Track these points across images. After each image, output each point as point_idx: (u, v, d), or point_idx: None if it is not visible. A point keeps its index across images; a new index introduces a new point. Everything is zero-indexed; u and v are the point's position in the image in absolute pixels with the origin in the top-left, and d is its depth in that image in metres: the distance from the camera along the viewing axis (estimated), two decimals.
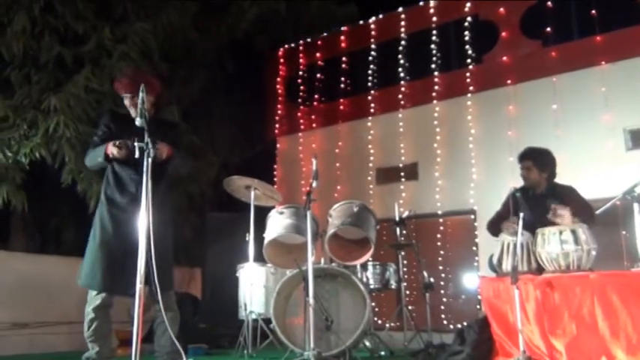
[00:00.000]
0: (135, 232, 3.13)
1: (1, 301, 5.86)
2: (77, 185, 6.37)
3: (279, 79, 8.85)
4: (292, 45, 8.80)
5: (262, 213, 5.02)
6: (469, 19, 7.19)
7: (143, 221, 2.93)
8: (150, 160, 2.98)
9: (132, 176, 3.48)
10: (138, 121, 3.02)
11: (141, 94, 3.14)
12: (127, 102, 3.64)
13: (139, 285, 2.84)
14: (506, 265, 3.79)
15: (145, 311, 2.93)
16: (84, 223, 8.65)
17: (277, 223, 4.74)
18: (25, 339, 5.94)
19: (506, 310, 3.66)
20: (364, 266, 5.10)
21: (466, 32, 7.19)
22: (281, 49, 8.88)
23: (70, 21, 6.21)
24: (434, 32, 7.45)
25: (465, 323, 4.87)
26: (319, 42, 8.54)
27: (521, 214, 3.50)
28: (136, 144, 2.98)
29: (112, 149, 3.39)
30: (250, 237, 5.12)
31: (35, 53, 6.11)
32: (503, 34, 6.96)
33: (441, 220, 6.99)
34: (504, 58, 6.90)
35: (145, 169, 2.97)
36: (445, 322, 6.63)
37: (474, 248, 6.62)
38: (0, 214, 7.46)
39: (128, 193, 3.50)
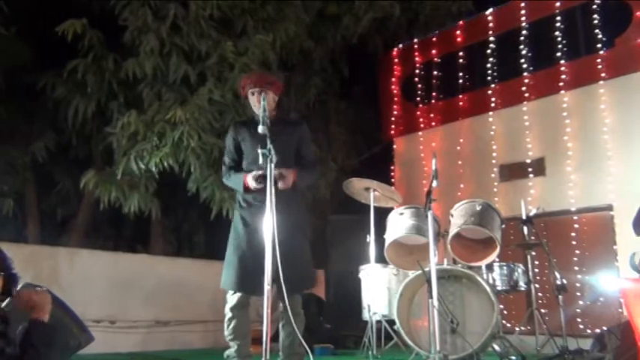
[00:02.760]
0: (262, 234, 3.26)
1: (146, 301, 6.38)
2: (201, 194, 6.74)
3: (394, 79, 8.79)
4: (407, 44, 8.72)
5: (382, 214, 5.02)
6: (598, 1, 6.69)
7: (269, 224, 3.04)
8: (272, 166, 3.09)
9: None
10: (260, 129, 3.13)
11: (262, 102, 3.27)
12: (252, 100, 3.70)
13: (267, 286, 2.95)
14: None
15: (273, 311, 3.04)
16: (212, 228, 9.23)
17: (398, 224, 4.72)
18: (166, 336, 6.41)
19: None
20: (490, 267, 4.90)
21: (595, 15, 6.69)
22: (395, 49, 8.82)
23: (195, 40, 6.59)
24: (558, 18, 7.02)
25: (604, 328, 4.52)
26: (434, 39, 8.38)
27: None
28: (259, 151, 3.10)
29: (251, 183, 3.50)
30: (371, 238, 5.13)
31: (164, 72, 6.53)
32: (638, 13, 6.39)
33: (575, 217, 6.55)
34: (639, 40, 6.34)
35: (268, 175, 3.08)
36: (581, 326, 6.19)
37: (614, 247, 6.13)
38: (141, 221, 8.14)
39: (260, 197, 3.62)
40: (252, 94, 3.69)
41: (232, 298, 3.60)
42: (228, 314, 3.61)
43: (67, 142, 7.49)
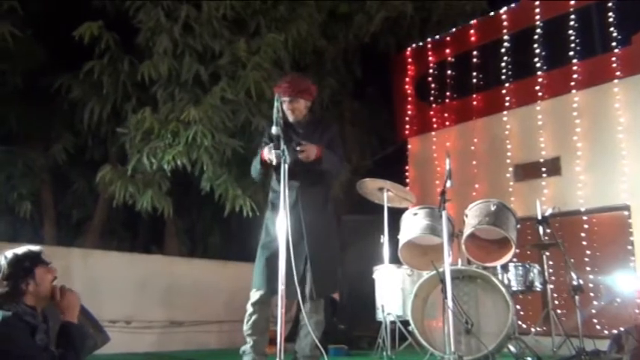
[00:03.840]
0: (293, 236, 3.29)
1: (161, 302, 6.42)
2: (215, 193, 6.75)
3: (407, 79, 8.77)
4: (420, 44, 8.68)
5: (396, 214, 5.00)
6: None
7: (282, 224, 3.05)
8: (287, 166, 3.11)
9: (292, 182, 3.57)
10: (274, 129, 3.15)
11: (276, 103, 3.28)
12: (285, 106, 3.75)
13: (281, 286, 2.96)
14: None
15: (286, 312, 3.05)
16: (226, 229, 9.27)
17: (412, 225, 4.70)
18: (181, 336, 6.44)
19: None
20: (505, 267, 4.86)
21: (610, 13, 6.62)
22: (409, 49, 8.80)
23: (208, 40, 6.62)
24: (572, 17, 6.96)
25: (622, 329, 4.47)
26: (448, 38, 8.34)
27: None
28: (273, 151, 3.12)
29: (267, 154, 3.53)
30: (385, 239, 5.12)
31: (177, 72, 6.56)
32: None
33: (590, 217, 6.48)
34: None
35: (282, 174, 3.09)
36: (598, 327, 6.13)
37: (630, 247, 6.06)
38: (156, 222, 8.20)
39: (290, 198, 3.64)
40: (285, 102, 3.73)
41: (255, 294, 3.65)
42: (250, 309, 3.67)
43: (83, 143, 7.56)
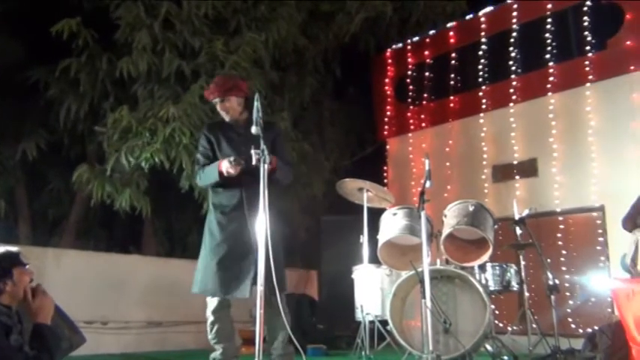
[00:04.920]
0: (244, 236, 3.26)
1: (138, 302, 6.35)
2: (194, 191, 6.71)
3: (387, 79, 8.81)
4: (400, 45, 8.73)
5: (375, 215, 5.03)
6: (589, 3, 6.73)
7: (260, 226, 3.04)
8: (265, 166, 3.10)
9: (237, 184, 3.56)
10: (254, 129, 3.14)
11: (256, 102, 3.27)
12: (218, 107, 3.74)
13: (260, 287, 2.96)
14: None
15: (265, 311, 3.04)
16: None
17: (391, 225, 4.73)
18: (158, 337, 6.39)
19: None
20: (482, 267, 4.92)
21: (586, 17, 6.73)
22: (388, 50, 8.84)
23: (188, 37, 6.57)
24: (549, 20, 7.06)
25: (596, 328, 4.55)
26: (427, 40, 8.40)
27: None
28: (252, 151, 3.10)
29: (227, 168, 3.45)
30: (364, 239, 5.14)
31: (158, 68, 6.48)
32: (628, 15, 6.44)
33: (564, 218, 6.59)
34: (629, 42, 6.38)
35: (261, 175, 3.08)
36: (573, 326, 6.23)
37: (599, 248, 6.18)
38: (133, 222, 8.10)
39: (235, 198, 3.61)
40: (217, 103, 3.72)
41: (213, 301, 3.59)
42: (211, 318, 3.61)
43: (59, 142, 7.44)
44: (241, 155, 3.40)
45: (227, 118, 3.73)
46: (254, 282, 3.20)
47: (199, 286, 3.60)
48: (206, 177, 3.68)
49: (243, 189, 3.56)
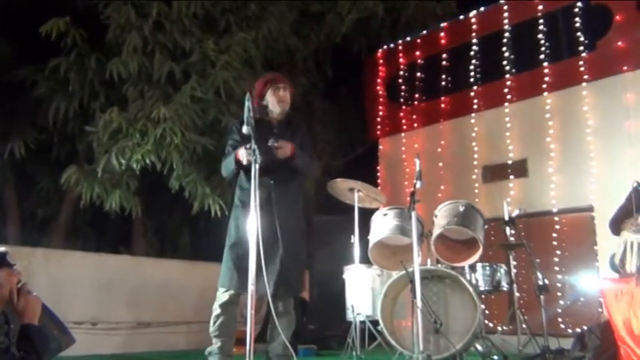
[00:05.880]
0: (266, 234, 3.25)
1: (128, 303, 6.31)
2: (185, 191, 6.68)
3: (379, 80, 8.82)
4: (391, 45, 8.74)
5: (367, 215, 5.03)
6: (579, 4, 6.77)
7: (253, 223, 3.03)
8: (257, 165, 3.09)
9: (265, 180, 3.54)
10: (245, 129, 3.13)
11: (247, 102, 3.26)
12: (276, 96, 3.78)
13: (251, 286, 2.95)
14: (630, 266, 3.52)
15: (256, 312, 3.03)
16: (196, 229, 9.18)
17: (382, 225, 4.73)
18: (148, 337, 6.35)
19: (630, 314, 3.40)
20: (473, 267, 4.94)
21: (576, 18, 6.77)
22: (380, 51, 8.85)
23: (178, 37, 6.54)
24: (540, 21, 7.09)
25: (585, 327, 4.58)
26: (418, 40, 8.42)
27: None
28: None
29: (242, 153, 3.47)
30: (355, 239, 5.14)
31: (148, 70, 6.46)
32: (618, 17, 6.48)
33: (556, 218, 6.62)
34: (619, 43, 6.43)
35: (253, 174, 3.08)
36: (562, 326, 6.27)
37: (595, 247, 6.21)
38: (123, 222, 8.06)
39: (259, 196, 3.59)
40: (279, 89, 3.77)
41: (224, 295, 3.60)
42: (217, 310, 3.60)
43: (49, 141, 7.39)
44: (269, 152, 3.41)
45: (278, 109, 3.71)
46: (274, 282, 3.23)
47: (220, 279, 3.62)
48: (226, 165, 3.72)
49: (273, 186, 3.57)
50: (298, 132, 3.84)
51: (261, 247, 3.01)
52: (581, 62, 6.69)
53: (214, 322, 3.60)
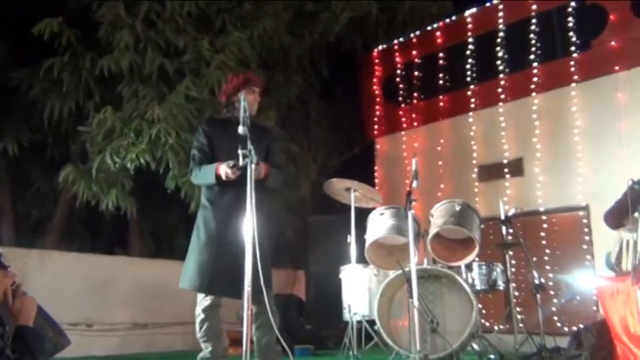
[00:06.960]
0: (237, 234, 3.22)
1: (123, 303, 6.29)
2: (181, 191, 6.65)
3: (375, 79, 8.82)
4: (387, 45, 8.74)
5: (363, 215, 5.02)
6: (573, 4, 6.78)
7: (248, 225, 3.02)
8: (253, 166, 3.07)
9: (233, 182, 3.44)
10: (240, 129, 3.11)
11: (243, 102, 3.24)
12: (248, 99, 3.54)
13: (247, 287, 2.93)
14: (626, 264, 3.53)
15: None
16: (191, 230, 9.13)
17: (378, 225, 4.73)
18: (144, 338, 6.33)
19: (626, 312, 3.40)
20: (469, 267, 4.95)
21: (570, 18, 6.79)
22: (375, 50, 8.85)
23: (171, 35, 6.51)
24: (534, 21, 7.11)
25: (581, 326, 4.59)
26: (414, 40, 8.42)
27: None
28: (239, 151, 3.07)
29: (226, 172, 3.33)
30: (352, 239, 5.13)
31: (140, 67, 6.40)
32: (612, 16, 6.51)
33: (550, 217, 6.64)
34: (613, 42, 6.45)
35: (248, 175, 3.06)
36: (559, 324, 6.28)
37: (585, 246, 6.23)
38: (119, 223, 8.03)
39: (229, 196, 3.51)
40: (254, 92, 3.67)
41: (205, 299, 3.55)
42: (201, 315, 3.56)
43: (43, 141, 7.35)
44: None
45: (248, 112, 3.43)
46: (250, 283, 3.18)
47: (190, 281, 3.51)
48: (202, 176, 3.58)
49: (239, 187, 3.50)
50: (266, 136, 3.75)
51: (237, 249, 2.99)
52: (572, 62, 6.71)
53: (200, 328, 3.55)
